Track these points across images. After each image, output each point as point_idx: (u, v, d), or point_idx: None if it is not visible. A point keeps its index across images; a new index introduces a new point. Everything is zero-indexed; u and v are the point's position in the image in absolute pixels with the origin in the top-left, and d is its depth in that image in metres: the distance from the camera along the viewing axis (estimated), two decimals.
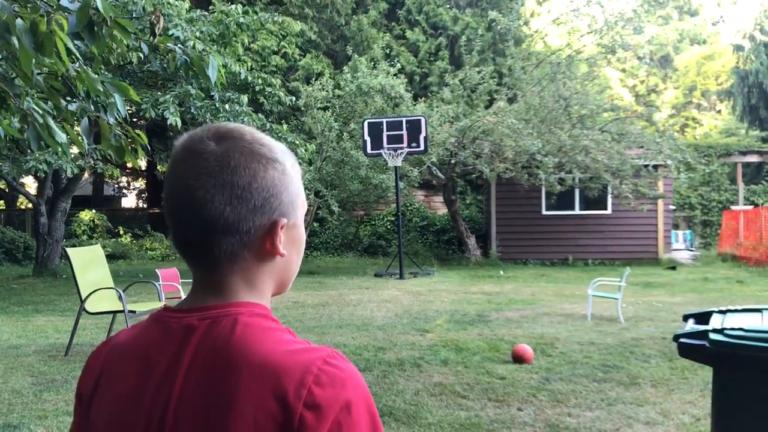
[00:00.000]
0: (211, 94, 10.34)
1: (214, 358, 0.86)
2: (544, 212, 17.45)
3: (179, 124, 9.73)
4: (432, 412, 4.79)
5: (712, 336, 3.00)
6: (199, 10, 10.65)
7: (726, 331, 3.00)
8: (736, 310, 3.46)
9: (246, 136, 0.93)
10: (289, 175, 0.95)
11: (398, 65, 17.50)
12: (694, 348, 3.08)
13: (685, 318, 3.56)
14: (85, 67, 3.19)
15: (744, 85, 26.53)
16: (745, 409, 2.99)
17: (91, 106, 3.21)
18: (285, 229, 0.94)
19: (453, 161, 16.31)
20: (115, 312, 6.89)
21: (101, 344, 1.01)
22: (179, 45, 2.87)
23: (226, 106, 10.28)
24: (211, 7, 12.29)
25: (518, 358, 6.25)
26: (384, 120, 14.53)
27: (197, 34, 9.53)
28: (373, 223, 21.03)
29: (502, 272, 15.03)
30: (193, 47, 9.15)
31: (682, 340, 3.12)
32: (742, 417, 3.00)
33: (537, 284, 12.90)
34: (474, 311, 9.36)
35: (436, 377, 5.76)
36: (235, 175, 0.89)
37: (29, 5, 2.79)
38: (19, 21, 2.39)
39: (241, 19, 10.24)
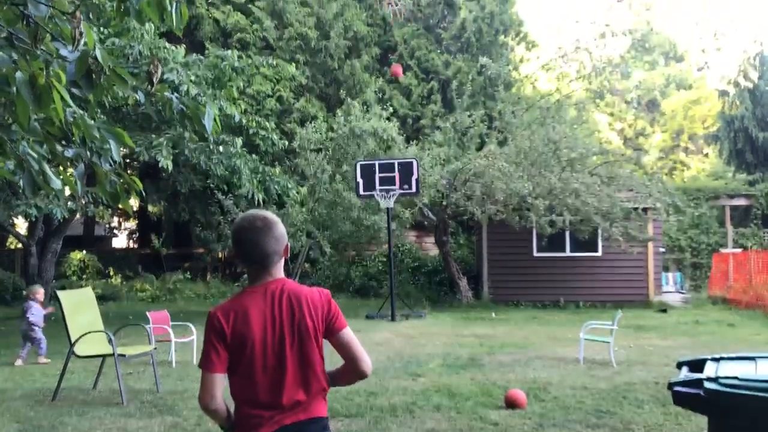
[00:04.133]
0: (206, 136, 10.40)
1: (291, 295, 2.33)
2: (535, 254, 17.48)
3: (170, 167, 9.76)
4: None
5: (707, 385, 3.00)
6: (194, 55, 10.78)
7: (720, 380, 3.00)
8: (730, 358, 3.46)
9: (269, 216, 2.38)
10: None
11: (391, 108, 17.70)
12: (689, 397, 3.07)
13: (679, 365, 3.56)
14: (81, 113, 3.22)
15: (730, 129, 26.90)
16: None
17: (87, 152, 3.23)
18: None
19: (444, 203, 16.39)
20: (104, 356, 6.81)
21: (222, 306, 2.33)
22: (175, 94, 2.91)
23: (220, 148, 10.34)
24: (206, 52, 12.45)
25: (511, 404, 6.20)
26: (376, 162, 14.62)
27: (192, 77, 9.64)
28: (365, 263, 20.98)
29: (494, 314, 14.98)
30: (187, 91, 9.27)
31: (677, 388, 3.12)
32: None
33: (529, 327, 12.85)
34: (466, 355, 9.30)
35: (429, 423, 5.69)
36: (275, 232, 2.36)
37: (29, 54, 2.83)
38: (18, 74, 2.42)
39: (236, 64, 10.37)
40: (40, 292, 9.40)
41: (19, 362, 8.95)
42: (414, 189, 14.42)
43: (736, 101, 27.55)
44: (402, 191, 14.39)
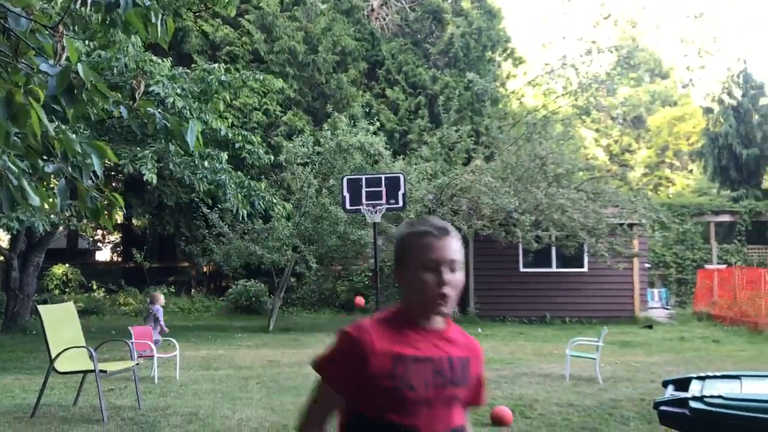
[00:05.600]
0: (189, 152, 10.34)
1: None
2: (522, 269, 17.50)
3: (155, 180, 9.69)
4: None
5: (692, 404, 2.98)
6: (181, 68, 10.73)
7: (706, 399, 2.99)
8: (715, 377, 3.45)
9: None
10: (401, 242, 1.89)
11: (378, 123, 17.72)
12: (675, 416, 3.05)
13: (665, 384, 3.54)
14: (63, 128, 3.18)
15: (714, 146, 27.21)
16: None
17: (69, 167, 3.18)
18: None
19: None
20: (85, 372, 6.70)
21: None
22: (159, 109, 2.88)
23: (205, 163, 10.28)
24: (193, 65, 12.41)
25: (497, 421, 6.16)
26: (363, 177, 14.60)
27: (178, 91, 9.59)
28: (351, 278, 20.91)
29: (480, 330, 14.95)
30: (173, 104, 9.21)
31: (663, 407, 3.10)
32: None
33: (515, 342, 12.83)
34: None
35: None
36: None
37: (10, 66, 2.79)
38: None
39: (223, 77, 10.34)
40: (161, 297, 10.26)
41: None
42: (400, 203, 14.39)
43: (720, 118, 27.90)
44: (388, 206, 14.36)
